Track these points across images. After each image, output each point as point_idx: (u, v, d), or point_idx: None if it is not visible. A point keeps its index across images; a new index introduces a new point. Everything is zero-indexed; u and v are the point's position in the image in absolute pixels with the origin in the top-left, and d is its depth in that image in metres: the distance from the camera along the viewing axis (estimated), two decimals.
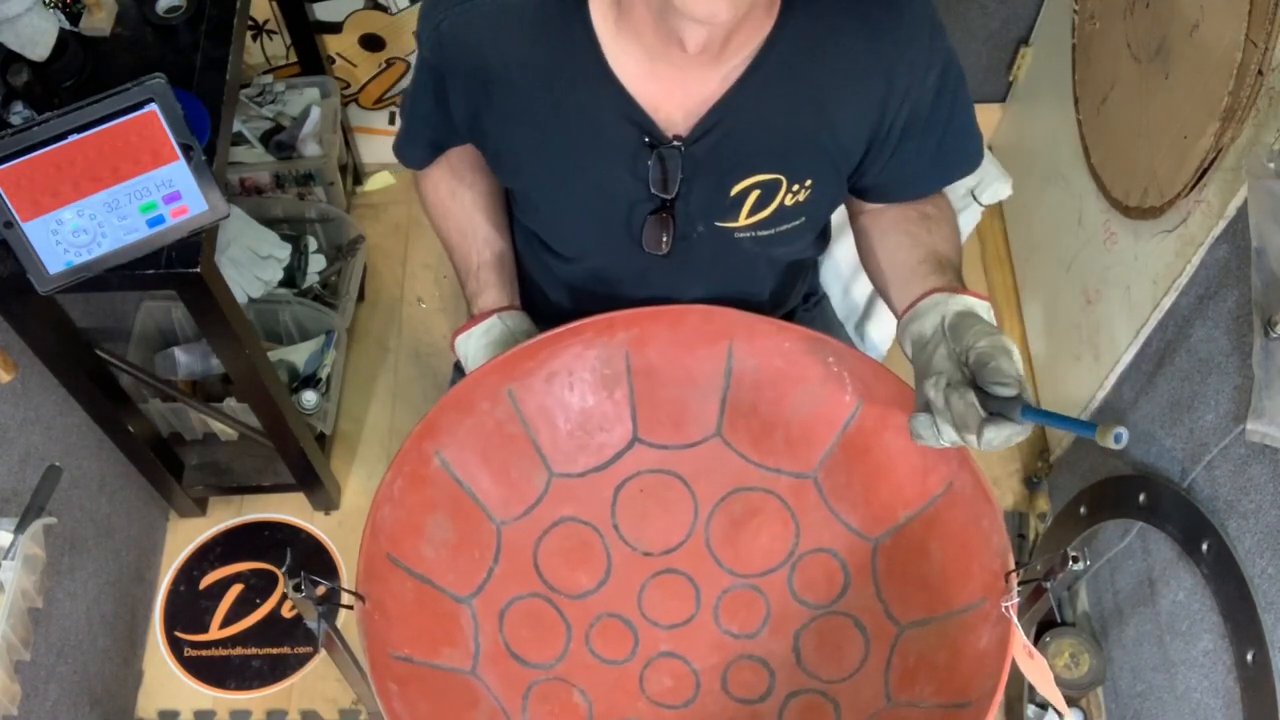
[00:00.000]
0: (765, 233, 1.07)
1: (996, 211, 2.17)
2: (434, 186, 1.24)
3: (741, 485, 1.15)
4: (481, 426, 1.10)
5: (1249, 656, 1.20)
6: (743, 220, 1.05)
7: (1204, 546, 1.28)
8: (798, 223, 1.07)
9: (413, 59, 2.08)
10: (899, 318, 1.03)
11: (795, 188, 1.04)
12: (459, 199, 1.23)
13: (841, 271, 1.44)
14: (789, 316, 1.30)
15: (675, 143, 1.00)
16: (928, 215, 1.10)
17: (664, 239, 1.06)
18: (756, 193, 1.03)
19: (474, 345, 1.18)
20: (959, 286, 1.00)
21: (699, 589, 1.14)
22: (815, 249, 1.22)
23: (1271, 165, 1.16)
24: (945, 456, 1.02)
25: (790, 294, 1.27)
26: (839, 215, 1.35)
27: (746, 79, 0.97)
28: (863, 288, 1.44)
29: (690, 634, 1.13)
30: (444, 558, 1.07)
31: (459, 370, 1.25)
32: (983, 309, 0.97)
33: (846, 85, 0.99)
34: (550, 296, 1.24)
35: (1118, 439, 0.79)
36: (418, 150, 1.19)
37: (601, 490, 1.15)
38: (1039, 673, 0.94)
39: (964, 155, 1.10)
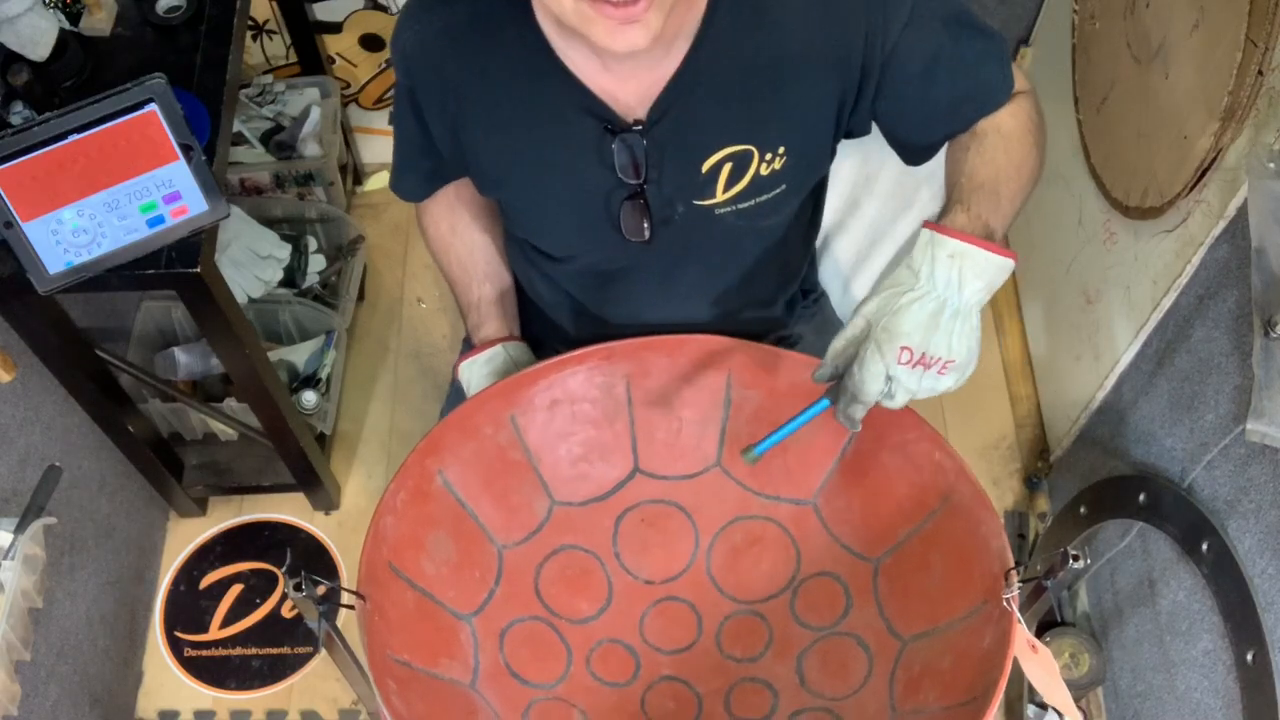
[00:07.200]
0: (746, 204, 1.06)
1: None
2: (434, 222, 1.24)
3: (742, 514, 1.15)
4: (484, 451, 1.10)
5: (1249, 656, 1.20)
6: (720, 196, 1.05)
7: (1204, 546, 1.28)
8: (778, 191, 1.06)
9: None
10: None
11: (769, 156, 1.03)
12: (459, 234, 1.24)
13: (841, 270, 1.44)
14: (790, 307, 1.30)
15: (636, 127, 1.01)
16: (976, 133, 1.02)
17: (644, 225, 1.06)
18: (729, 166, 1.03)
19: (477, 373, 1.19)
20: (942, 226, 0.93)
21: (700, 616, 1.14)
22: (806, 219, 1.19)
23: (1271, 165, 1.16)
24: (943, 470, 1.02)
25: (792, 271, 1.25)
26: (840, 212, 1.34)
27: (693, 56, 0.98)
28: (862, 286, 1.43)
29: (692, 659, 1.12)
30: (445, 575, 1.07)
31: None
32: (940, 248, 0.91)
33: (797, 44, 0.97)
34: (549, 306, 1.24)
35: None
36: (412, 180, 1.18)
37: (603, 520, 1.15)
38: (1044, 668, 0.92)
39: (988, 86, 1.02)
